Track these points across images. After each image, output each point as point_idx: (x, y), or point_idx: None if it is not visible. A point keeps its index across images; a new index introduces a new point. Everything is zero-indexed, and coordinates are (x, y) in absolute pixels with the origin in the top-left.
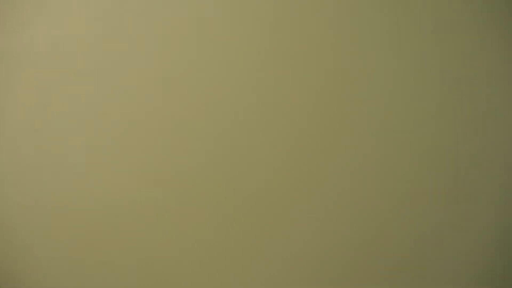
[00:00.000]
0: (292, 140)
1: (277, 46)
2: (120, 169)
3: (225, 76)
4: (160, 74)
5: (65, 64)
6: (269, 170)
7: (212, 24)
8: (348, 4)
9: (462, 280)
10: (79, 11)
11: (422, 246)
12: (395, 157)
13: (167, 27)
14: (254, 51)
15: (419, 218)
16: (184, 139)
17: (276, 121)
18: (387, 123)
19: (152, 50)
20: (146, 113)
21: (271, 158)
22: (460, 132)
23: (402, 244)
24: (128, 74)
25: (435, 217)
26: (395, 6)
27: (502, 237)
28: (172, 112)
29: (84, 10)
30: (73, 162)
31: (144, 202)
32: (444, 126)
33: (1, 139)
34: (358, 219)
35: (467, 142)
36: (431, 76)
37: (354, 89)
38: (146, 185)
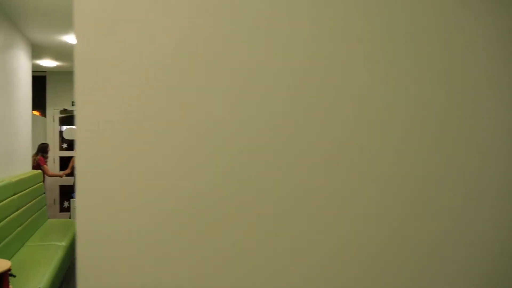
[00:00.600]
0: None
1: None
2: (207, 171)
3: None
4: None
5: (160, 70)
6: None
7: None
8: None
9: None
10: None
11: (435, 247)
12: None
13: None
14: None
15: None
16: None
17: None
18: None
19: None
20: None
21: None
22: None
23: (416, 245)
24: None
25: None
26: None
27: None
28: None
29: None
30: (165, 163)
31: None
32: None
33: (102, 140)
34: (376, 223)
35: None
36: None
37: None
38: (232, 186)
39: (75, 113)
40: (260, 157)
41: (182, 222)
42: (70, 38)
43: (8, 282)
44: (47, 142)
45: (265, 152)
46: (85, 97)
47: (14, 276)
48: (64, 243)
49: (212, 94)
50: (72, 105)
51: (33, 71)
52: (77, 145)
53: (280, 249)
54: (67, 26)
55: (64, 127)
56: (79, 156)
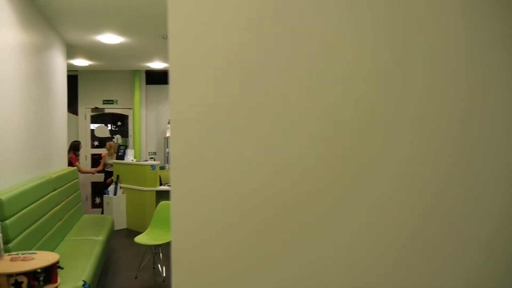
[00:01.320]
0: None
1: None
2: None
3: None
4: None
5: (241, 66)
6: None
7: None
8: None
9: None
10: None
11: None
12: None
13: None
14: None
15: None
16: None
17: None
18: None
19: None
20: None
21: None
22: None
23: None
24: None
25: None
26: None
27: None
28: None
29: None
30: (250, 157)
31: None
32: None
33: (195, 138)
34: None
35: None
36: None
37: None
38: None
39: (169, 111)
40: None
41: (275, 221)
42: (103, 38)
43: (57, 273)
44: (79, 139)
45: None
46: (178, 95)
47: (62, 268)
48: (101, 238)
49: (300, 91)
50: (103, 103)
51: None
52: (171, 143)
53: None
54: (100, 26)
55: (95, 125)
56: (173, 153)
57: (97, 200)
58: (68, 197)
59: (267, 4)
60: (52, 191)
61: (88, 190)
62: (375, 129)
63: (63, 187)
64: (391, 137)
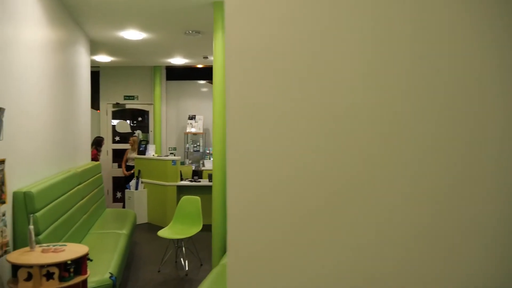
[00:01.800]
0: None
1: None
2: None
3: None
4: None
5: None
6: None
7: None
8: None
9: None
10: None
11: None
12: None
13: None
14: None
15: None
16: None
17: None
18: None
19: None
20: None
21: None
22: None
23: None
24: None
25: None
26: None
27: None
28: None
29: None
30: (298, 150)
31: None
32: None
33: (252, 134)
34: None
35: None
36: None
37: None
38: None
39: (227, 106)
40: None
41: (326, 222)
42: (126, 34)
43: (86, 265)
44: (101, 135)
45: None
46: (235, 92)
47: (91, 260)
48: (125, 231)
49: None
50: (124, 99)
51: None
52: (228, 133)
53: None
54: (124, 22)
55: (116, 121)
56: (230, 151)
57: (118, 194)
58: (92, 191)
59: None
60: (78, 185)
61: (109, 185)
62: (393, 130)
63: (88, 181)
64: (408, 137)
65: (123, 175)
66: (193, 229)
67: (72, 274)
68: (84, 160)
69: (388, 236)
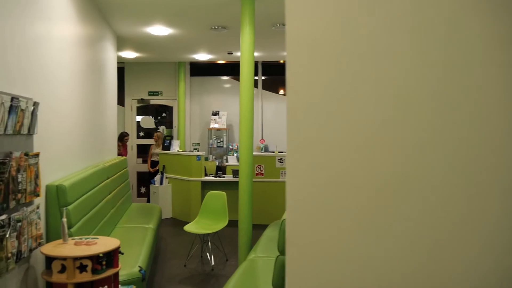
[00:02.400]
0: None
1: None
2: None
3: None
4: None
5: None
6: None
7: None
8: None
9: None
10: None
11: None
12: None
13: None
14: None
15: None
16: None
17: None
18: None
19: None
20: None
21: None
22: None
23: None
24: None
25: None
26: None
27: None
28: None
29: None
30: (355, 144)
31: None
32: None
33: (312, 131)
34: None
35: None
36: None
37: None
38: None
39: (288, 96)
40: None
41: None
42: (152, 30)
43: (118, 258)
44: (126, 130)
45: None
46: (295, 83)
47: (122, 254)
48: (151, 226)
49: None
50: (148, 95)
51: None
52: (288, 124)
53: None
54: (150, 18)
55: (140, 117)
56: (290, 136)
57: (142, 189)
58: (119, 186)
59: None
60: (106, 179)
61: (133, 180)
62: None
63: (115, 176)
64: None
65: (148, 171)
66: (219, 224)
67: (104, 267)
68: (110, 155)
69: (444, 230)
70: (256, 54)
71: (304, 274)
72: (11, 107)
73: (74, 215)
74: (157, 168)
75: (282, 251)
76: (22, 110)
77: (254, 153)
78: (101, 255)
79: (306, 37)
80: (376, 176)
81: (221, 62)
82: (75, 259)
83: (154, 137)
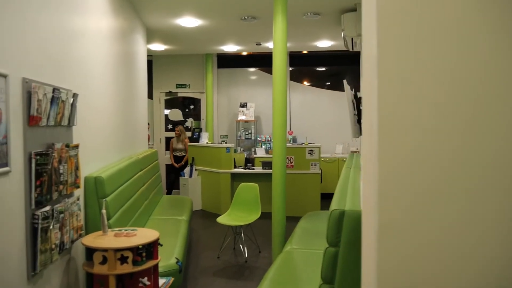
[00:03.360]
0: None
1: None
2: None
3: None
4: None
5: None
6: None
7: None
8: None
9: None
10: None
11: None
12: None
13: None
14: None
15: None
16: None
17: None
18: None
19: None
20: None
21: None
22: None
23: None
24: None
25: None
26: None
27: None
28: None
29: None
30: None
31: None
32: None
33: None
34: None
35: None
36: None
37: None
38: None
39: (379, 83)
40: None
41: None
42: (182, 21)
43: (157, 249)
44: (154, 123)
45: None
46: (389, 67)
47: (161, 245)
48: (184, 218)
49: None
50: (176, 87)
51: None
52: (380, 121)
53: None
54: (181, 9)
55: (168, 111)
56: (382, 132)
57: (172, 177)
58: (151, 178)
59: None
60: (139, 171)
61: (162, 172)
62: None
63: (147, 168)
64: None
65: (171, 165)
66: (252, 216)
67: (144, 259)
68: (142, 147)
69: None
70: None
71: (398, 268)
72: (52, 98)
73: (111, 206)
74: (182, 163)
75: (332, 242)
76: (62, 101)
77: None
78: (140, 246)
79: (403, 23)
80: (481, 162)
81: (248, 53)
82: (116, 250)
83: (176, 132)
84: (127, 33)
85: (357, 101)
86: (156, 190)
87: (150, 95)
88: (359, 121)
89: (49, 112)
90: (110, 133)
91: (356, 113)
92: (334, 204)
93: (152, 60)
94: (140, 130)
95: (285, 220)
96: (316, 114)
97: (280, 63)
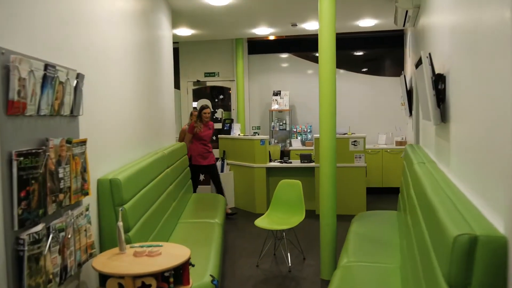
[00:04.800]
0: None
1: None
2: None
3: None
4: None
5: None
6: None
7: None
8: None
9: None
10: None
11: None
12: None
13: None
14: None
15: None
16: None
17: None
18: None
19: None
20: None
21: None
22: None
23: None
24: None
25: None
26: None
27: None
28: None
29: None
30: None
31: None
32: None
33: None
34: None
35: None
36: None
37: None
38: None
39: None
40: None
41: None
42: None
43: (188, 272)
44: (182, 115)
45: None
46: None
47: (193, 266)
48: (217, 220)
49: None
50: (205, 76)
51: None
52: None
53: None
54: None
55: (195, 103)
56: None
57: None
58: (180, 174)
59: None
60: (166, 169)
61: None
62: None
63: (175, 164)
64: None
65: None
66: (295, 218)
67: (172, 286)
68: (169, 141)
69: None
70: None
71: None
72: (45, 77)
73: (131, 214)
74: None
75: (458, 285)
76: (61, 83)
77: None
78: (167, 273)
79: None
80: None
81: (280, 37)
82: (136, 277)
83: (192, 117)
84: (149, 15)
85: (437, 80)
86: (186, 188)
87: (177, 85)
88: (438, 104)
89: (39, 96)
90: (130, 126)
91: (435, 94)
92: (450, 224)
93: (178, 47)
94: (167, 123)
95: (335, 224)
96: (354, 101)
97: (328, 44)
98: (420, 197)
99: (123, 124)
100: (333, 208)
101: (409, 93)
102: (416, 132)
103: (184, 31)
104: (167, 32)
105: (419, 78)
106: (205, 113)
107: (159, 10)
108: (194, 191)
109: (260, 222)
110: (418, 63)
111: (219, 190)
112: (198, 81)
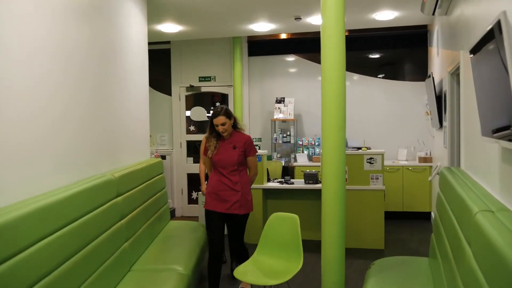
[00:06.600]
0: None
1: None
2: None
3: None
4: None
5: None
6: None
7: None
8: None
9: None
10: None
11: None
12: None
13: None
14: None
15: None
16: None
17: None
18: None
19: None
20: None
21: None
22: None
23: None
24: None
25: None
26: None
27: None
28: None
29: None
30: None
31: None
32: None
33: None
34: None
35: None
36: None
37: None
38: None
39: None
40: None
41: None
42: None
43: None
44: (174, 123)
45: None
46: None
47: None
48: (181, 269)
49: None
50: (199, 80)
51: (155, 43)
52: None
53: None
54: None
55: (188, 112)
56: None
57: (194, 194)
58: (143, 203)
59: None
60: (114, 198)
61: (183, 183)
62: None
63: (137, 188)
64: None
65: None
66: (290, 267)
67: None
68: (136, 158)
69: None
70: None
71: None
72: None
73: (24, 273)
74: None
75: None
76: None
77: None
78: None
79: None
80: None
81: (284, 36)
82: None
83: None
84: (105, 6)
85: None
86: (154, 219)
87: (168, 91)
88: None
89: None
90: (54, 143)
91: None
92: None
93: (170, 48)
94: (138, 135)
95: (343, 264)
96: (369, 110)
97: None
98: (492, 264)
99: (40, 140)
100: (341, 243)
101: (439, 100)
102: (452, 151)
103: (171, 27)
104: (139, 28)
105: (481, 70)
106: (216, 124)
107: (125, 1)
108: (214, 249)
109: (241, 273)
110: (479, 45)
111: (237, 254)
112: (191, 86)
